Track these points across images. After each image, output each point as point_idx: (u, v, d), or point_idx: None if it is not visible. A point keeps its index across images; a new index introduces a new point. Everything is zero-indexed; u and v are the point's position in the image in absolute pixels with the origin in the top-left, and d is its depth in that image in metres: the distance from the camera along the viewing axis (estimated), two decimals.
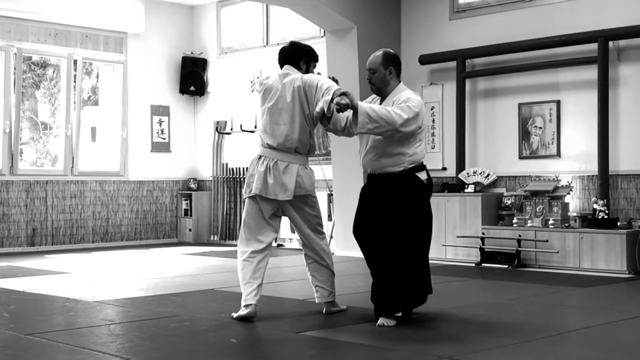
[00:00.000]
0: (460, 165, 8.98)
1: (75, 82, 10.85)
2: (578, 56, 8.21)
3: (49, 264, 8.67)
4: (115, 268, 8.35)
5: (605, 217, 7.61)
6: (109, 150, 11.45)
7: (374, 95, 5.09)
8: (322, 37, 9.93)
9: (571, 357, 4.07)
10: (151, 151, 11.65)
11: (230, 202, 11.53)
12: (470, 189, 8.61)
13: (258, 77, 10.92)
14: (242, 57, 11.44)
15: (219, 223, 11.62)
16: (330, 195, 9.99)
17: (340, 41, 9.38)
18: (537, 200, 8.09)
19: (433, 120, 9.39)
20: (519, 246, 7.96)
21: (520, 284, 6.79)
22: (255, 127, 10.87)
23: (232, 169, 11.52)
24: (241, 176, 11.28)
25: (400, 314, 4.85)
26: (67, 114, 10.77)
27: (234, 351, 4.28)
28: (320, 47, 8.17)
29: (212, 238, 11.76)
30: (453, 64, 9.07)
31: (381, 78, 4.95)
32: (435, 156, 9.32)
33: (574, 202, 8.18)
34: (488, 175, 8.74)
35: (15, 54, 10.36)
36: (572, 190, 8.09)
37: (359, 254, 5.38)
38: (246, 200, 5.08)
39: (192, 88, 11.81)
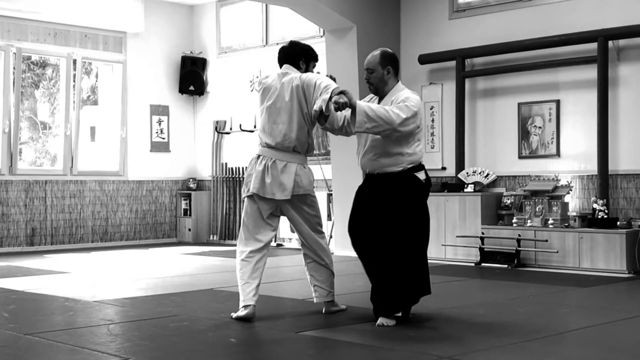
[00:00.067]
0: (460, 165, 8.98)
1: (74, 81, 10.84)
2: (578, 56, 8.21)
3: (49, 263, 8.67)
4: (115, 268, 8.35)
5: (605, 216, 7.61)
6: (108, 150, 11.44)
7: (372, 95, 5.08)
8: (321, 36, 9.93)
9: (571, 357, 4.06)
10: (150, 151, 11.65)
11: (229, 201, 11.52)
12: (470, 188, 8.61)
13: (257, 77, 10.92)
14: (242, 56, 11.43)
15: (218, 223, 11.62)
16: (329, 195, 9.98)
17: (339, 41, 9.38)
18: (536, 200, 8.09)
19: (432, 120, 9.38)
20: (519, 246, 7.96)
21: (519, 284, 6.79)
22: (255, 126, 10.86)
23: (232, 168, 11.51)
24: (241, 176, 11.27)
25: (400, 314, 4.85)
26: (66, 114, 10.76)
27: (234, 351, 4.28)
28: (319, 47, 8.14)
29: (211, 238, 11.75)
30: (452, 63, 9.07)
31: (379, 78, 4.94)
32: (434, 156, 9.31)
33: (574, 202, 8.17)
34: (488, 175, 8.74)
35: (15, 53, 10.35)
36: (571, 190, 8.09)
37: None
38: (245, 200, 5.08)
39: (191, 88, 11.80)
